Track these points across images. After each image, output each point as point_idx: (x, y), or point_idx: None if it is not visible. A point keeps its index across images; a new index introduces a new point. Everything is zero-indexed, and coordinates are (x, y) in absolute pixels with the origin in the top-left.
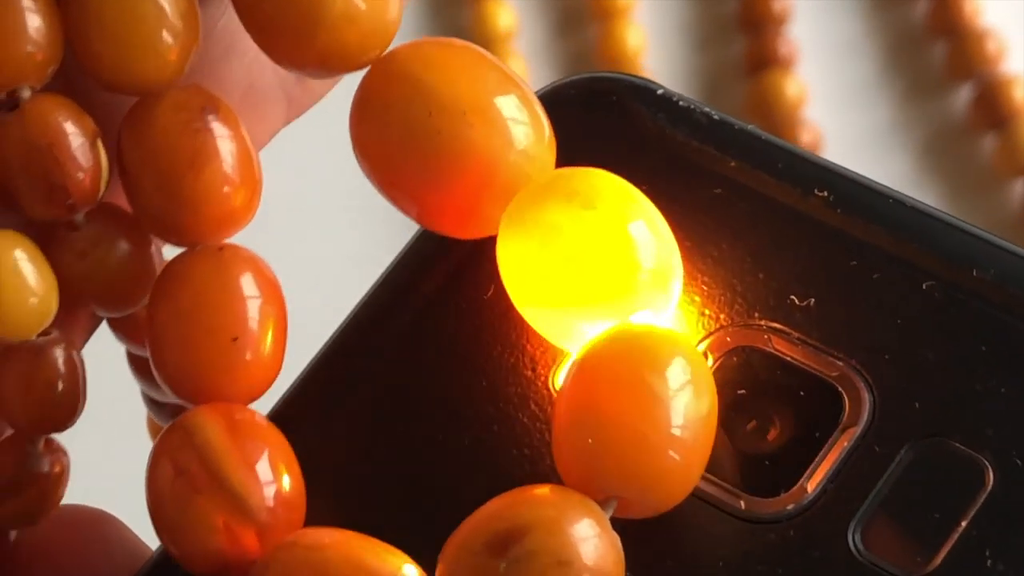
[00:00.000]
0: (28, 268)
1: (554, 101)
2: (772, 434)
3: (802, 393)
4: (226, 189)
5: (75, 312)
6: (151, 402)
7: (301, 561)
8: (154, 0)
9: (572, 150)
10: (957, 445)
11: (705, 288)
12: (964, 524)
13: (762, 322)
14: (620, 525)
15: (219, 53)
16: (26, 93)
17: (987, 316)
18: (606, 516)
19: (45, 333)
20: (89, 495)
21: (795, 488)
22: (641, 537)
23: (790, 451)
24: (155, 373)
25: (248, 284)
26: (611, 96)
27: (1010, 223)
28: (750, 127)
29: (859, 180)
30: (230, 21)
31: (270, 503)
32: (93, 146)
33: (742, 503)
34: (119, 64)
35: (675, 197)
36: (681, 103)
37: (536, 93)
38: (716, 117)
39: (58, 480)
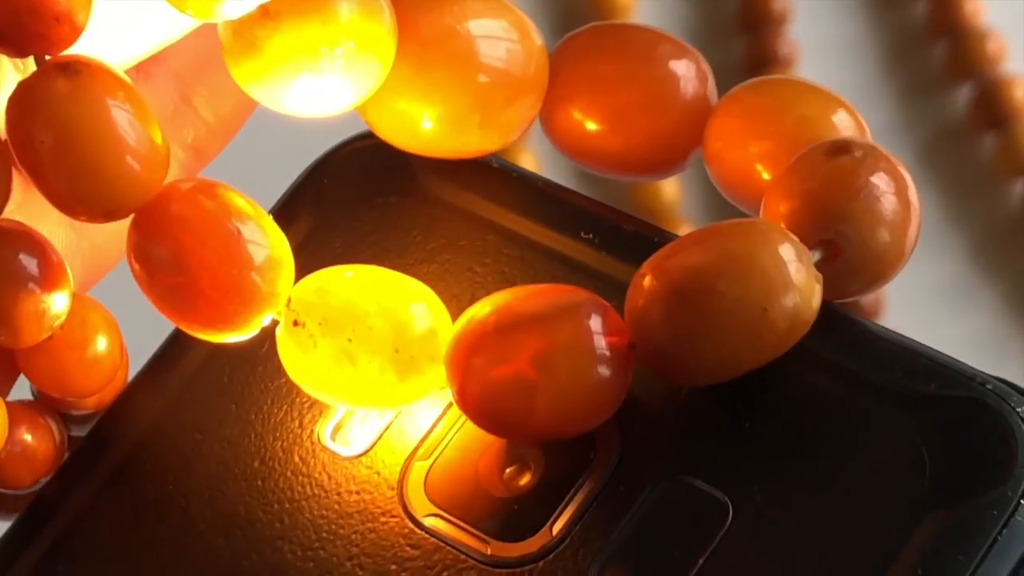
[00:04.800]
0: None
1: (332, 162)
2: (526, 479)
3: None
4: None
5: None
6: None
7: None
8: None
9: (351, 210)
10: (699, 483)
11: None
12: (703, 560)
13: None
14: None
15: None
16: None
17: None
18: None
19: None
20: None
21: (541, 531)
22: None
23: (542, 495)
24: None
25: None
26: (387, 155)
27: (1010, 223)
28: (529, 174)
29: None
30: None
31: None
32: None
33: (489, 548)
34: None
35: (455, 252)
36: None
37: (318, 159)
38: (495, 165)
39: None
